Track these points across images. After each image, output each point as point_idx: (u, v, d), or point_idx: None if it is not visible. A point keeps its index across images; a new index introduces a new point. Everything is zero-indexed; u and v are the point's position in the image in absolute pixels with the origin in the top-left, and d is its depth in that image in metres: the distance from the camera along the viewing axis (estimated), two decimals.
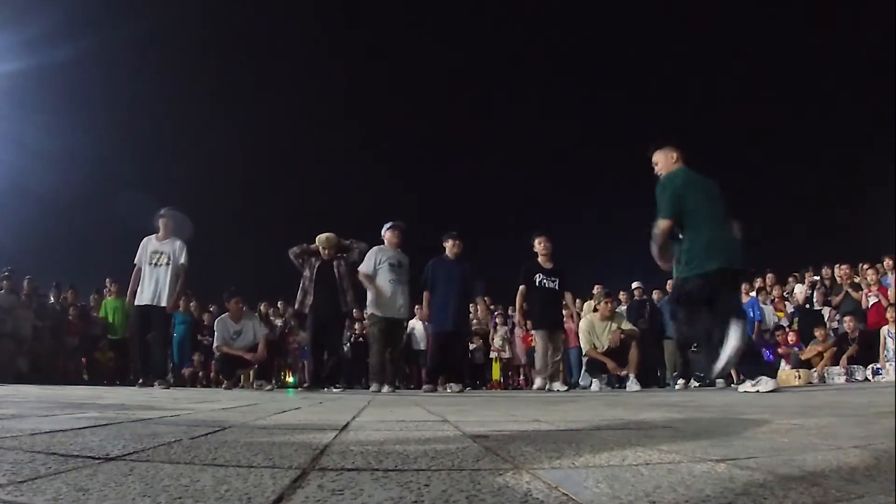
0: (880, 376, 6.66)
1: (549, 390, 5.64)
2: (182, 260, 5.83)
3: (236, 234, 13.62)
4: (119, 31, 12.12)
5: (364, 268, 5.71)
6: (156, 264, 5.80)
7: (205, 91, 14.16)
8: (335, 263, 5.74)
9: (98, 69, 12.82)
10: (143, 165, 13.83)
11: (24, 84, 11.45)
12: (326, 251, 5.72)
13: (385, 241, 5.83)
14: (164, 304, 5.76)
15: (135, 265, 5.90)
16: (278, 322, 9.02)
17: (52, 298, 8.87)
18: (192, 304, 9.00)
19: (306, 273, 5.73)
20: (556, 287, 5.97)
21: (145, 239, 5.93)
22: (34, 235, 11.53)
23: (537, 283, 5.92)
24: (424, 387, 5.86)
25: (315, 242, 5.77)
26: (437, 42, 14.99)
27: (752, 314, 8.16)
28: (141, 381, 5.68)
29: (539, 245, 5.98)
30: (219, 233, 12.46)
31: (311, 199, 13.91)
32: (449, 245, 5.85)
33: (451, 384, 5.66)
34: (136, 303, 5.83)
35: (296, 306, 5.90)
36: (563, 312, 6.40)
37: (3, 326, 7.62)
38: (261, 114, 14.78)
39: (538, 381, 5.97)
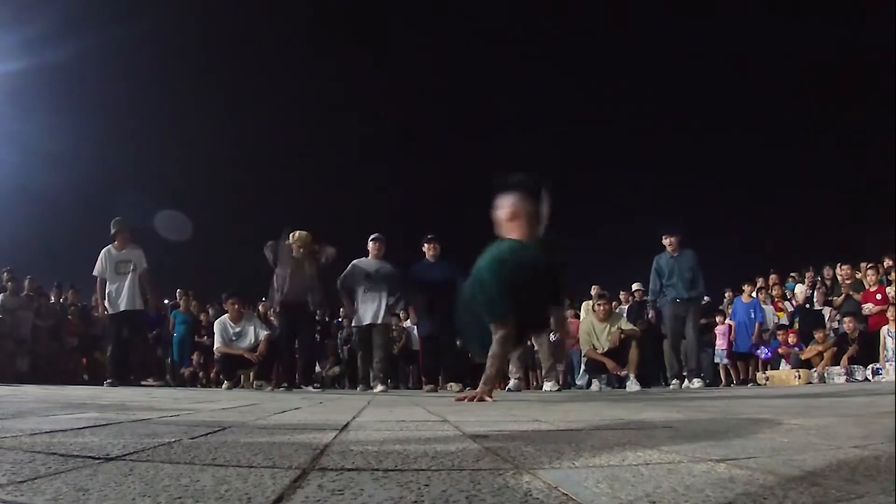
0: (880, 376, 6.66)
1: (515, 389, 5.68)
2: (144, 264, 6.35)
3: (236, 234, 13.62)
4: (119, 31, 12.11)
5: (340, 282, 5.99)
6: (123, 273, 6.25)
7: (205, 91, 14.17)
8: (306, 263, 5.79)
9: (98, 69, 12.82)
10: (143, 165, 13.84)
11: (24, 84, 11.46)
12: (301, 249, 5.74)
13: (368, 253, 6.04)
14: (140, 307, 6.32)
15: (96, 276, 6.30)
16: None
17: (52, 298, 8.88)
18: (192, 303, 9.02)
19: (278, 271, 5.78)
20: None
21: (104, 250, 6.33)
22: (34, 235, 11.54)
23: None
24: (425, 387, 5.88)
25: (288, 239, 5.79)
26: (433, 42, 15.00)
27: (752, 315, 8.18)
28: (110, 380, 5.98)
29: None
30: (218, 233, 12.47)
31: (310, 200, 13.92)
32: (426, 248, 5.96)
33: (452, 384, 5.68)
34: (111, 311, 6.24)
35: (265, 300, 6.00)
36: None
37: (3, 326, 7.62)
38: (261, 113, 14.79)
39: (512, 382, 5.97)
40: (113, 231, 6.31)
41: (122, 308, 6.20)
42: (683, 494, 0.63)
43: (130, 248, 6.34)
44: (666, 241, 6.66)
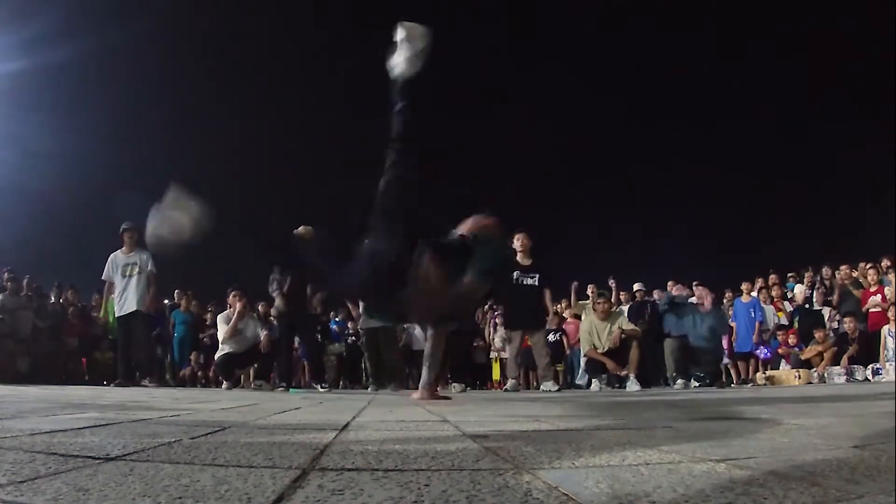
0: (880, 376, 6.65)
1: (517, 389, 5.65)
2: (150, 268, 6.43)
3: (235, 234, 13.59)
4: (119, 31, 12.10)
5: None
6: (129, 275, 6.37)
7: (205, 90, 14.16)
8: None
9: (98, 69, 12.81)
10: (143, 165, 13.82)
11: (24, 84, 11.45)
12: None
13: None
14: (143, 308, 6.39)
15: (104, 280, 6.50)
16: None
17: (52, 298, 8.86)
18: (192, 303, 9.00)
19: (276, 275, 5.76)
20: (536, 283, 5.92)
21: (112, 255, 6.50)
22: (34, 235, 11.52)
23: (514, 280, 5.88)
24: None
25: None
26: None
27: (752, 314, 8.18)
28: (119, 380, 6.07)
29: (517, 242, 5.85)
30: (218, 233, 12.43)
31: (310, 199, 13.91)
32: None
33: (454, 384, 5.69)
34: (118, 313, 6.38)
35: (272, 311, 6.06)
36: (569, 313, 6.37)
37: (3, 326, 7.62)
38: (261, 113, 14.78)
39: (509, 383, 5.93)
40: (120, 234, 6.43)
41: (130, 310, 6.29)
42: (683, 494, 0.64)
43: (137, 252, 6.44)
44: (697, 294, 6.88)
